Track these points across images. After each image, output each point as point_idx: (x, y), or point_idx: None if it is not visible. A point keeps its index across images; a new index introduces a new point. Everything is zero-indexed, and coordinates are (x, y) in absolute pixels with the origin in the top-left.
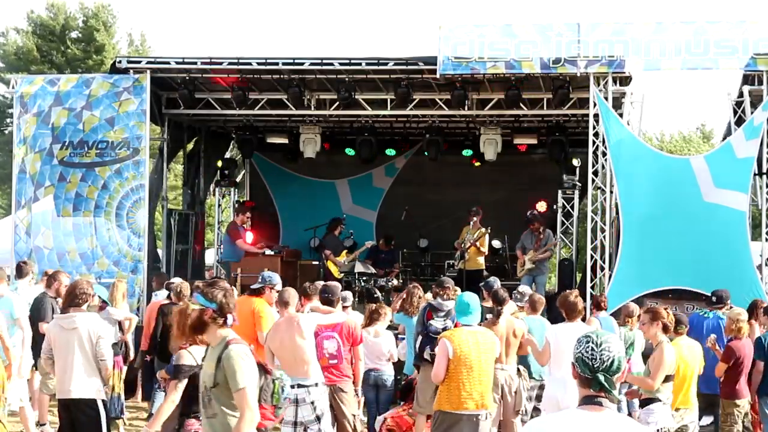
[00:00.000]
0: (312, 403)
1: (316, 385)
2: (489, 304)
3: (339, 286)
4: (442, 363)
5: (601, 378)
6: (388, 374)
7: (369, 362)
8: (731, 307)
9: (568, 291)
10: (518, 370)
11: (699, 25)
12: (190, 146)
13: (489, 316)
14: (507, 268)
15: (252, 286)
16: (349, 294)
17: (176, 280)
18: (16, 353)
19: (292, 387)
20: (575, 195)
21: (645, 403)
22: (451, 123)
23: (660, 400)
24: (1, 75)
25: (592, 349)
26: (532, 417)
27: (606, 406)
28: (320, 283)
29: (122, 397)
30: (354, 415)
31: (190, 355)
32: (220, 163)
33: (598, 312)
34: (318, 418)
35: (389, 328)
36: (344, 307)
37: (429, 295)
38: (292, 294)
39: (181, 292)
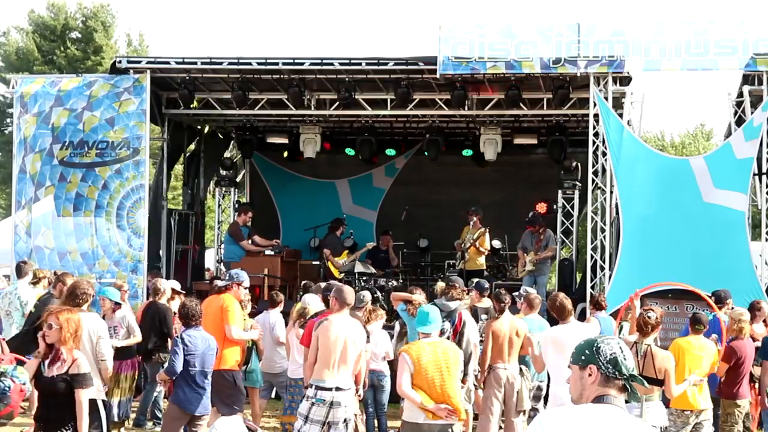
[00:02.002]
0: (345, 407)
1: (350, 389)
2: (483, 304)
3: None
4: (403, 376)
5: (630, 380)
6: (384, 374)
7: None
8: (733, 308)
9: (554, 294)
10: (521, 370)
11: (699, 25)
12: (190, 146)
13: (484, 317)
14: (507, 268)
15: (219, 284)
16: (367, 294)
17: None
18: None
19: (329, 390)
20: (575, 195)
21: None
22: (451, 123)
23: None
24: (2, 75)
25: (622, 350)
26: (531, 417)
27: (619, 405)
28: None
29: (131, 399)
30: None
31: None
32: (220, 163)
33: (597, 312)
34: (345, 421)
35: (384, 327)
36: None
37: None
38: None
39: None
